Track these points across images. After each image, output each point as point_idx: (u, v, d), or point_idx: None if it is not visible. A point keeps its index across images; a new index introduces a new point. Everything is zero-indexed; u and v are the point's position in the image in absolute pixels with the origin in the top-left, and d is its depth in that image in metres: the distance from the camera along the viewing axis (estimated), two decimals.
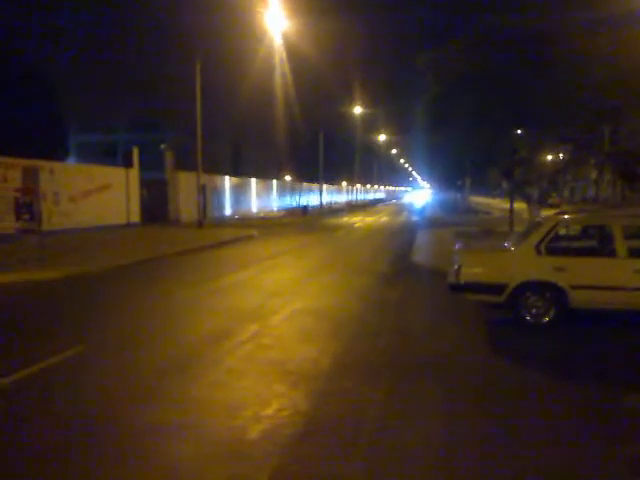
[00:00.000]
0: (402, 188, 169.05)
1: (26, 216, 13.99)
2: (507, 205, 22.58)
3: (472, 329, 8.34)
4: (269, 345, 7.43)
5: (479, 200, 65.13)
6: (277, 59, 36.77)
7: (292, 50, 34.22)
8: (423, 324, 8.73)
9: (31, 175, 14.53)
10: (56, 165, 24.13)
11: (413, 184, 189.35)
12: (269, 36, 28.98)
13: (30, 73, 27.76)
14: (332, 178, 78.05)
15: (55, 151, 30.97)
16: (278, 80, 44.49)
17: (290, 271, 14.96)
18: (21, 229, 14.15)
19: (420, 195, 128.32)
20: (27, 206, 13.99)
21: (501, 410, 5.30)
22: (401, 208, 61.45)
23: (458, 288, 8.53)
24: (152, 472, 4.14)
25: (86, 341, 7.55)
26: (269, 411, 5.18)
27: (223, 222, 34.02)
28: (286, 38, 30.05)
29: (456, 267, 8.51)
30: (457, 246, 10.29)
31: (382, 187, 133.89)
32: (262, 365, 6.59)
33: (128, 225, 27.80)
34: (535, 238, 8.35)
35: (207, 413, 5.22)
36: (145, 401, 5.50)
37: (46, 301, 10.73)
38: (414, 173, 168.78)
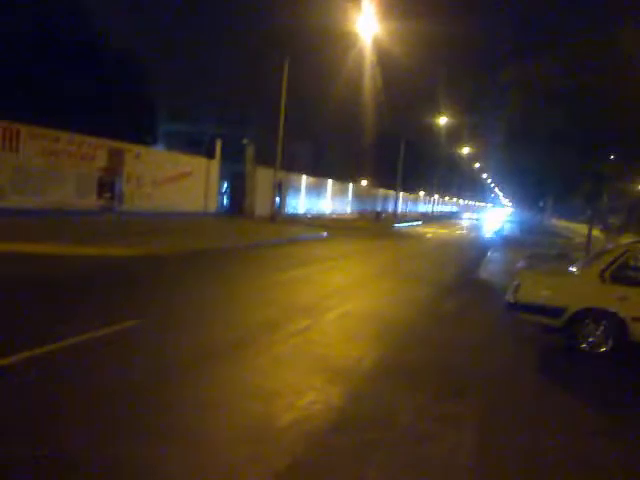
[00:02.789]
0: (482, 203, 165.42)
1: (107, 195, 14.79)
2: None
3: (522, 351, 8.17)
4: (316, 340, 7.57)
5: (561, 224, 63.02)
6: (365, 63, 36.90)
7: (380, 54, 34.27)
8: (473, 340, 8.62)
9: (116, 156, 15.35)
10: (143, 149, 25.27)
11: (494, 200, 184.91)
12: (359, 39, 29.14)
13: (124, 60, 29.19)
14: (410, 187, 77.43)
15: (144, 137, 32.38)
16: (364, 84, 44.59)
17: (351, 273, 15.06)
18: (102, 207, 14.95)
19: (500, 212, 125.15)
20: (109, 185, 14.78)
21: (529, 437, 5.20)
22: (477, 223, 60.22)
23: (514, 307, 8.38)
24: (179, 443, 4.35)
25: (144, 316, 7.92)
26: (302, 402, 5.32)
27: (295, 219, 34.52)
28: (375, 42, 30.13)
29: (515, 286, 8.37)
30: (519, 265, 10.08)
31: (461, 200, 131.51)
32: (306, 358, 6.74)
33: (204, 214, 28.74)
34: (601, 264, 8.08)
35: (244, 396, 5.42)
36: (186, 377, 5.76)
37: (116, 276, 11.32)
38: (496, 189, 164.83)
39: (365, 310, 10.04)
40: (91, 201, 16.20)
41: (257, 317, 8.75)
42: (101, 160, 16.01)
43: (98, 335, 6.73)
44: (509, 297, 8.45)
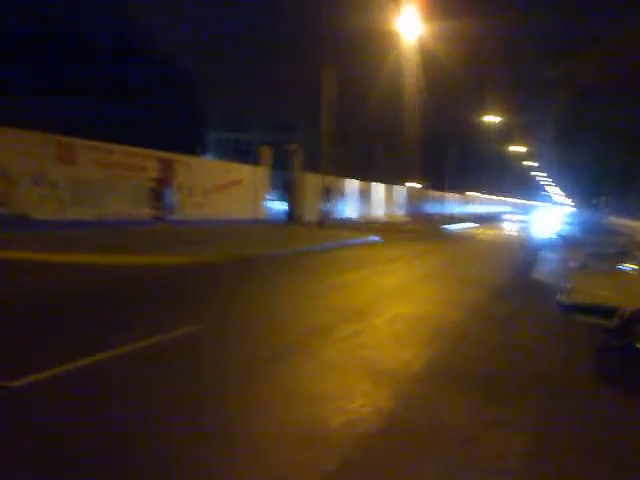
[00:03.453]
0: (535, 202, 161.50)
1: (159, 204, 15.19)
2: None
3: (576, 353, 7.97)
4: (367, 344, 7.59)
5: (621, 222, 61.06)
6: (411, 64, 36.69)
7: (426, 55, 34.02)
8: (525, 342, 8.46)
9: (166, 166, 15.78)
10: (193, 159, 25.89)
11: (547, 199, 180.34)
12: (403, 41, 29.04)
13: (172, 70, 29.93)
14: (460, 187, 76.37)
15: (194, 146, 33.15)
16: (411, 85, 44.31)
17: (401, 276, 14.99)
18: (154, 216, 15.36)
19: (554, 211, 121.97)
20: (160, 195, 15.20)
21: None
22: (531, 223, 58.91)
23: (568, 308, 8.17)
24: (232, 442, 4.45)
25: (201, 322, 8.10)
26: (353, 405, 5.35)
27: (345, 224, 34.56)
28: (420, 41, 29.94)
29: (568, 286, 8.17)
30: (573, 265, 9.83)
31: (512, 200, 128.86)
32: (356, 362, 6.77)
33: (254, 221, 29.12)
34: None
35: (294, 398, 5.49)
36: (239, 381, 5.88)
37: (171, 283, 11.63)
38: (549, 188, 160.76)
39: (415, 313, 9.99)
40: (144, 211, 16.69)
41: (308, 322, 8.83)
42: (152, 171, 16.53)
43: (154, 342, 6.94)
44: (562, 298, 8.25)
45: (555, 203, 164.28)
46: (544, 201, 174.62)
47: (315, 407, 5.31)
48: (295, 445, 4.50)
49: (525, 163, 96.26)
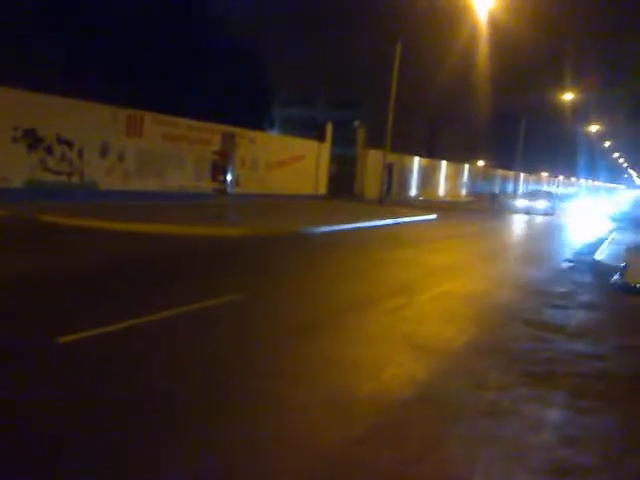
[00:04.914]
0: (613, 185, 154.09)
1: (221, 178, 15.49)
2: None
3: (629, 334, 7.70)
4: (409, 318, 7.60)
5: None
6: (479, 39, 35.62)
7: (498, 29, 32.91)
8: (579, 322, 8.23)
9: (230, 140, 16.02)
10: (257, 134, 26.16)
11: (627, 181, 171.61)
12: (472, 14, 28.20)
13: (241, 45, 30.15)
14: (531, 167, 73.88)
15: (261, 122, 33.48)
16: (479, 61, 43.07)
17: (457, 255, 14.81)
18: (216, 189, 15.69)
19: (635, 194, 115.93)
20: (223, 169, 15.49)
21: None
22: (605, 205, 56.45)
23: (622, 289, 7.91)
24: (266, 404, 4.60)
25: (247, 291, 8.32)
26: (386, 375, 5.41)
27: (406, 202, 34.27)
28: (492, 16, 28.97)
29: (622, 267, 7.90)
30: (629, 246, 9.47)
31: (588, 181, 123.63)
32: (396, 335, 6.79)
33: (315, 196, 29.29)
34: None
35: (332, 366, 5.60)
36: (279, 346, 6.04)
37: (228, 254, 11.94)
38: (631, 170, 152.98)
39: (465, 291, 9.88)
40: (206, 184, 17.09)
41: (355, 294, 8.91)
42: (216, 144, 16.82)
43: (204, 306, 7.22)
44: (616, 279, 8.00)
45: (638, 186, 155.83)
46: (626, 184, 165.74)
47: (349, 374, 5.41)
48: (326, 408, 4.61)
49: (606, 145, 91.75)
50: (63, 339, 5.50)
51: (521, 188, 65.09)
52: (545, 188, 61.97)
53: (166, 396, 4.56)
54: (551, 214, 33.39)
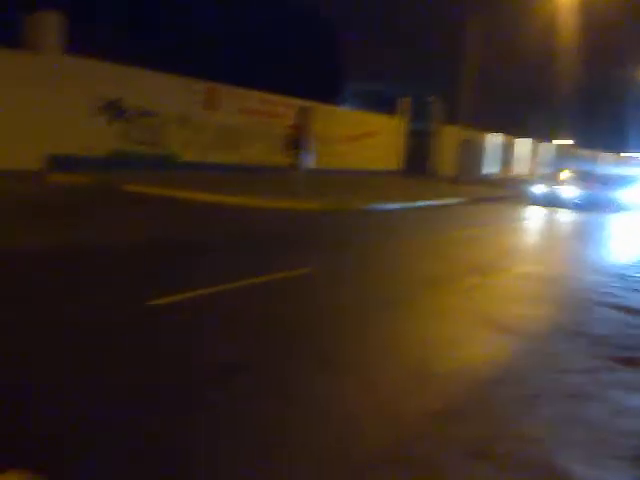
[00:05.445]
0: None
1: (294, 152, 15.54)
2: None
3: None
4: (487, 297, 7.41)
5: None
6: (564, 13, 33.89)
7: (581, 5, 31.20)
8: None
9: (304, 115, 16.00)
10: (330, 109, 26.05)
11: None
12: None
13: (315, 20, 29.95)
14: (623, 147, 69.98)
15: (333, 96, 33.29)
16: (564, 32, 41.01)
17: (537, 235, 14.31)
18: (289, 164, 15.77)
19: None
20: (297, 143, 15.52)
21: None
22: None
23: None
24: (342, 378, 4.58)
25: (315, 266, 8.32)
26: (466, 353, 5.28)
27: (483, 180, 33.35)
28: None
29: None
30: None
31: None
32: (475, 314, 6.60)
33: (388, 172, 28.98)
34: None
35: (401, 345, 5.52)
36: (347, 322, 6.02)
37: (298, 228, 12.00)
38: None
39: (547, 273, 9.49)
40: (279, 158, 17.21)
41: (425, 272, 8.73)
42: (290, 119, 16.88)
43: (278, 277, 7.33)
44: None
45: None
46: None
47: (430, 350, 5.35)
48: (409, 381, 4.59)
49: None
50: (154, 302, 5.79)
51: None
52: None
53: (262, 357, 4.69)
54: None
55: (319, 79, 29.68)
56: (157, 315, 5.58)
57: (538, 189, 21.94)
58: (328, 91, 31.00)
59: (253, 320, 5.76)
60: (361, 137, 27.64)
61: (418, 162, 32.34)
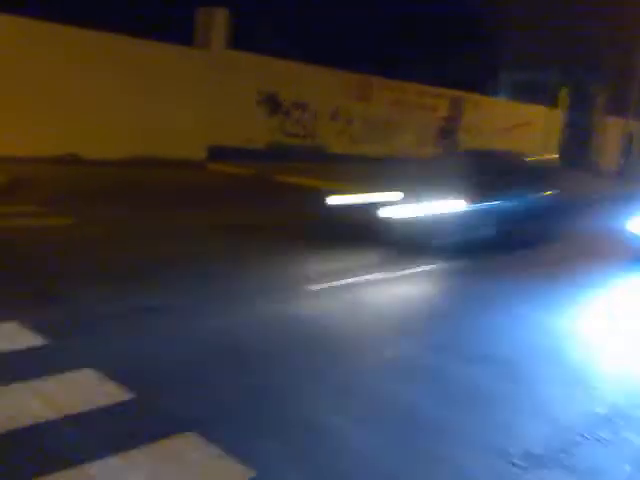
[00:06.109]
0: None
1: (445, 143, 15.37)
2: None
3: None
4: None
5: None
6: None
7: None
8: None
9: (456, 106, 15.77)
10: (482, 99, 25.25)
11: None
12: None
13: (469, 9, 29.04)
14: None
15: (486, 86, 32.14)
16: None
17: None
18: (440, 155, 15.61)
19: None
20: (448, 134, 15.34)
21: None
22: None
23: None
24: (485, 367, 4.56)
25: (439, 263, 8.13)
26: (630, 359, 5.01)
27: None
28: None
29: None
30: None
31: None
32: None
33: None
34: None
35: (569, 341, 5.35)
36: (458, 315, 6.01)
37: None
38: None
39: None
40: (428, 150, 17.04)
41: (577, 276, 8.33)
42: (442, 110, 16.66)
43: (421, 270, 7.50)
44: None
45: None
46: None
47: (589, 353, 5.19)
48: (571, 384, 4.50)
49: None
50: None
51: None
52: None
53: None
54: None
55: (473, 69, 28.82)
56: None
57: None
58: (483, 81, 30.00)
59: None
60: (514, 128, 26.48)
61: (575, 155, 30.33)
